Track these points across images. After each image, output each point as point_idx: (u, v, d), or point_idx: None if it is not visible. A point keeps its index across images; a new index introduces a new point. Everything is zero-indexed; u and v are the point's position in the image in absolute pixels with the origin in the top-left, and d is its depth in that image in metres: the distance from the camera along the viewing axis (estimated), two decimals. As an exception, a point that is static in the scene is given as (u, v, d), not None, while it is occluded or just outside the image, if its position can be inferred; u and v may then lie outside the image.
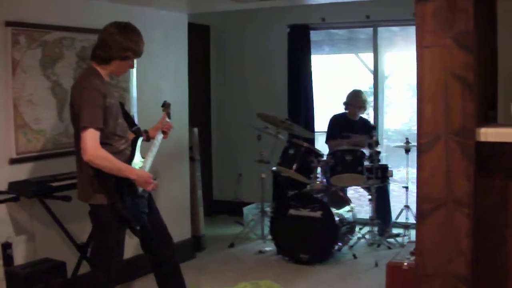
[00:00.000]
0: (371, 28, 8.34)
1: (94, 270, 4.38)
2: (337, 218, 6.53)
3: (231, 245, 7.36)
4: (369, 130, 7.15)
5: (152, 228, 4.43)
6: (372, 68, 8.51)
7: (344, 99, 7.67)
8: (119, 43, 4.12)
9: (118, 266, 4.29)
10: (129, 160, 4.23)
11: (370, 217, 7.09)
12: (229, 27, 9.04)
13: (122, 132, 4.24)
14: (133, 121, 4.50)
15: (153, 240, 4.48)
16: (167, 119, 4.73)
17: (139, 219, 4.24)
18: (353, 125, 7.54)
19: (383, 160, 7.67)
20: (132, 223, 4.21)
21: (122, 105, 4.46)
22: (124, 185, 4.07)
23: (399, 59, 9.58)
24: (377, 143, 7.10)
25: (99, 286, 4.27)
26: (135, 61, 4.34)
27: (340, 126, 7.66)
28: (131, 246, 4.68)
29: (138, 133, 4.40)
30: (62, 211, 4.98)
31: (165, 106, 4.81)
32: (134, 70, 5.91)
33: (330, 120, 7.82)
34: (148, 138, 4.64)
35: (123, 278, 5.62)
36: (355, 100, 7.59)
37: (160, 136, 4.63)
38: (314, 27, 8.55)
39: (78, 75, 4.45)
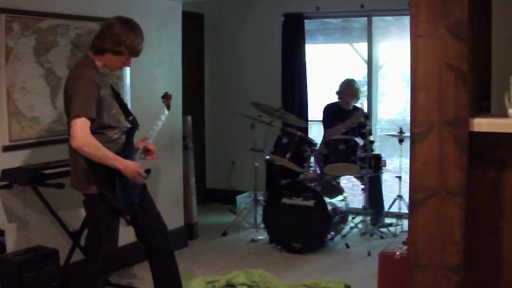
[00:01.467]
0: (366, 18, 8.34)
1: (88, 258, 4.38)
2: (330, 207, 6.54)
3: (224, 234, 7.37)
4: (363, 119, 7.14)
5: (145, 216, 4.43)
6: (366, 57, 8.50)
7: (337, 88, 7.66)
8: (115, 37, 4.10)
9: (112, 254, 4.29)
10: (123, 150, 4.21)
11: (363, 206, 7.11)
12: (223, 16, 9.02)
13: (115, 122, 4.24)
14: (129, 111, 4.47)
15: (146, 229, 4.47)
16: (166, 111, 4.66)
17: (130, 209, 4.23)
18: (346, 114, 7.53)
19: (377, 149, 7.69)
20: (122, 213, 4.21)
21: (118, 94, 4.45)
22: (115, 175, 4.06)
23: (394, 49, 9.57)
24: (370, 133, 7.11)
25: (92, 274, 4.28)
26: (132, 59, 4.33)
27: (332, 115, 7.66)
28: (127, 233, 4.68)
29: (134, 123, 4.39)
30: (55, 199, 4.98)
31: (166, 97, 4.72)
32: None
33: (323, 110, 7.81)
34: None
35: (119, 265, 5.62)
36: (347, 89, 7.58)
37: (162, 116, 4.58)
38: (309, 16, 8.53)
39: (74, 64, 4.43)
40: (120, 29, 4.11)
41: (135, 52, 4.22)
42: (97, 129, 4.05)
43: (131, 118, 4.39)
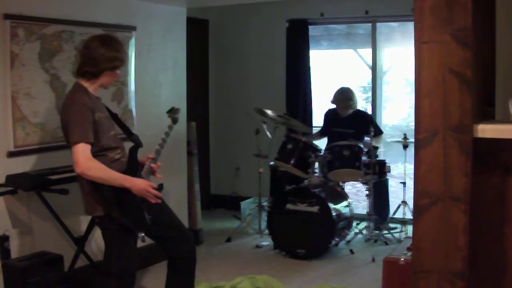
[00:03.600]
0: (370, 24, 8.35)
1: (104, 277, 4.37)
2: (334, 213, 6.54)
3: (228, 240, 7.37)
4: (368, 124, 7.11)
5: (164, 228, 4.42)
6: (370, 63, 8.51)
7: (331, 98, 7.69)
8: (105, 55, 4.15)
9: (127, 273, 4.29)
10: (128, 169, 4.21)
11: (367, 212, 7.10)
12: (227, 22, 9.04)
13: (115, 143, 4.27)
14: (130, 130, 4.48)
15: (167, 239, 4.46)
16: (172, 125, 4.52)
17: (143, 226, 4.22)
18: (343, 121, 7.53)
19: (381, 155, 7.68)
20: (134, 229, 4.20)
21: (115, 116, 4.47)
22: (121, 193, 4.07)
23: (398, 54, 9.58)
24: (377, 135, 7.12)
25: None
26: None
27: (329, 121, 7.70)
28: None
29: (136, 141, 4.38)
30: (59, 205, 4.99)
31: (172, 111, 4.54)
32: (133, 65, 5.91)
33: (324, 115, 7.86)
34: None
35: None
36: (338, 99, 7.59)
37: (167, 131, 4.45)
38: (313, 22, 8.55)
39: (67, 93, 4.41)
40: (104, 46, 4.17)
41: (125, 60, 4.40)
42: (98, 152, 4.09)
43: (133, 137, 4.40)
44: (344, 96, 7.56)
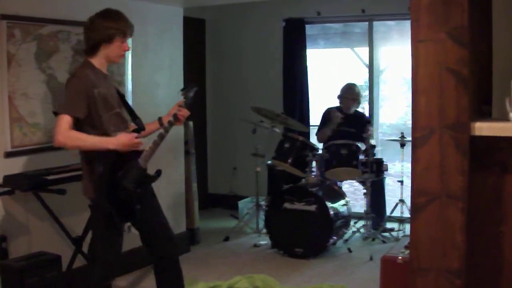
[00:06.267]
0: (367, 22, 8.35)
1: (89, 264, 4.39)
2: (332, 212, 6.54)
3: (226, 239, 7.37)
4: (365, 124, 7.15)
5: (151, 224, 4.42)
6: (367, 62, 8.52)
7: (339, 92, 7.67)
8: (100, 25, 4.17)
9: (111, 262, 4.31)
10: (129, 152, 4.19)
11: (365, 211, 7.11)
12: (224, 21, 9.04)
13: (118, 123, 4.26)
14: (135, 114, 4.47)
15: (152, 236, 4.46)
16: (184, 105, 4.48)
17: (130, 215, 4.22)
18: (346, 119, 7.54)
19: (378, 154, 7.68)
20: (116, 219, 4.18)
21: (123, 96, 4.47)
22: (111, 180, 4.07)
23: (395, 53, 9.57)
24: (372, 137, 7.10)
25: (92, 280, 4.29)
26: (130, 45, 4.34)
27: (329, 120, 7.67)
28: (132, 238, 4.68)
29: (139, 125, 4.39)
30: (57, 205, 4.99)
31: (187, 89, 4.53)
32: (130, 64, 5.91)
33: (323, 113, 7.83)
34: (162, 125, 4.49)
35: (122, 270, 5.64)
36: (348, 93, 7.59)
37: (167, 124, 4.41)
38: (310, 21, 8.55)
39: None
40: (101, 17, 4.20)
41: (126, 31, 4.27)
42: (101, 130, 4.11)
43: (136, 120, 4.40)
44: (352, 90, 7.58)
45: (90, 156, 4.11)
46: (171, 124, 4.37)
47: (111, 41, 4.20)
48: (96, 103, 4.08)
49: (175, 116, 4.38)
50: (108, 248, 4.27)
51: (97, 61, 4.22)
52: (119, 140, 4.08)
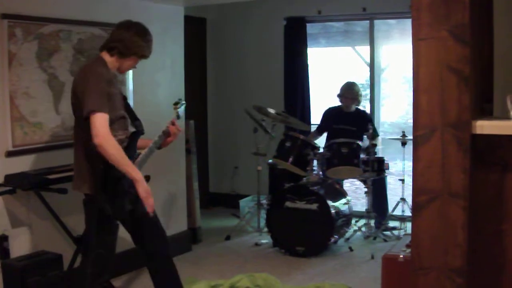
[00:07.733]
0: (368, 21, 8.33)
1: (83, 259, 4.40)
2: (333, 211, 6.53)
3: (227, 238, 7.37)
4: (366, 123, 7.14)
5: (143, 222, 4.38)
6: (368, 61, 8.51)
7: (338, 91, 7.67)
8: (138, 42, 4.24)
9: (104, 257, 4.30)
10: (126, 153, 4.17)
11: (366, 209, 7.10)
12: (225, 20, 9.03)
13: (120, 123, 4.25)
14: (135, 115, 4.47)
15: (144, 234, 4.43)
16: (176, 119, 4.57)
17: (120, 214, 4.20)
18: (347, 117, 7.53)
19: (379, 152, 7.68)
20: (111, 217, 4.19)
21: (125, 98, 4.48)
22: (110, 179, 4.06)
23: (396, 52, 9.58)
24: (374, 136, 7.08)
25: (85, 274, 4.29)
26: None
27: (332, 118, 7.68)
28: (128, 238, 4.68)
29: (139, 127, 4.39)
30: (58, 204, 4.98)
31: (179, 104, 4.67)
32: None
33: (323, 113, 7.84)
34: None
35: (118, 271, 5.64)
36: (348, 92, 7.58)
37: (157, 138, 4.45)
38: (311, 20, 8.54)
39: (83, 64, 4.46)
40: (138, 35, 4.26)
41: (146, 54, 4.37)
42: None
43: (136, 122, 4.40)
44: (351, 89, 7.57)
45: (91, 153, 4.09)
46: (160, 138, 4.44)
47: (129, 56, 4.26)
48: (110, 102, 4.06)
49: (166, 131, 4.46)
50: (101, 244, 4.26)
51: (113, 63, 4.24)
52: (144, 182, 3.99)
